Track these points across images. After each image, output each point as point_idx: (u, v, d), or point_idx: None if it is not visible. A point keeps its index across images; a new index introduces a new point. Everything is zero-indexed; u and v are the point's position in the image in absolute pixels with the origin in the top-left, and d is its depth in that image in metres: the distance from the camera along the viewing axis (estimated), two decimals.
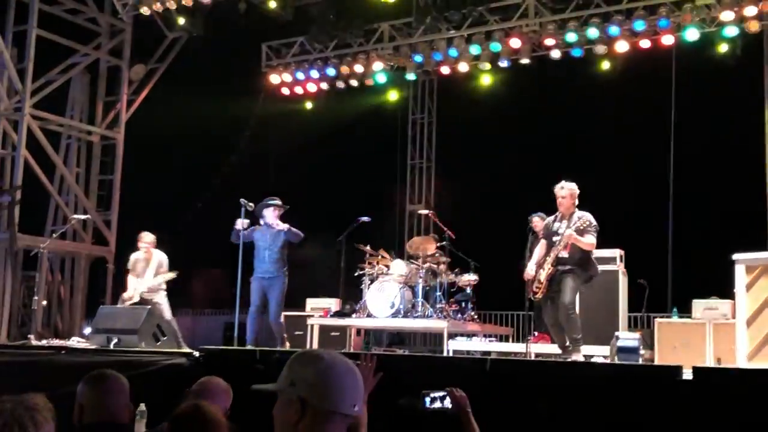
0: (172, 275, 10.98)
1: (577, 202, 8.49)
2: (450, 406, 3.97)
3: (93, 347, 8.65)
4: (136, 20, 14.96)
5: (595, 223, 8.30)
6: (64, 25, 14.30)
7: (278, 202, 10.35)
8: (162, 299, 10.96)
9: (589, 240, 8.26)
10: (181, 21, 14.43)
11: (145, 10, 14.16)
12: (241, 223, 9.92)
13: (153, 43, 15.42)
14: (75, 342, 10.03)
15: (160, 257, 11.10)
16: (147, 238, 11.06)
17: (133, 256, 11.08)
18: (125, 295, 10.89)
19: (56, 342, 10.25)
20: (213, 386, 4.36)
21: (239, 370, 7.17)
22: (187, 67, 15.53)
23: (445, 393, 4.01)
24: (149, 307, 9.71)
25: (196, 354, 7.72)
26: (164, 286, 11.04)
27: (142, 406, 5.96)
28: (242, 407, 4.38)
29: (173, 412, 3.06)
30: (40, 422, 2.40)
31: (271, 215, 10.18)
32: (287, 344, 10.35)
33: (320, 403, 2.17)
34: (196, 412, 2.98)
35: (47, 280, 13.93)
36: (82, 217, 13.09)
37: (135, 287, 10.83)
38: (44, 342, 10.14)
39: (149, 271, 10.88)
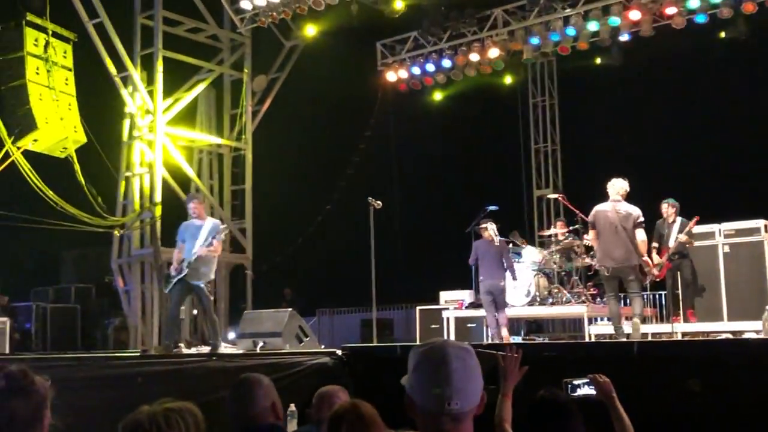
0: None
1: None
2: (594, 392, 3.89)
3: (241, 351, 8.94)
4: (255, 33, 15.37)
5: None
6: (188, 44, 14.84)
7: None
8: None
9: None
10: (300, 29, 14.75)
11: (262, 22, 14.57)
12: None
13: (272, 54, 15.80)
14: (222, 347, 10.40)
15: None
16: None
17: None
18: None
19: (205, 349, 10.62)
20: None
21: (382, 365, 7.25)
22: (305, 73, 15.84)
23: (588, 380, 3.92)
24: (291, 309, 9.93)
25: (339, 353, 7.86)
26: None
27: (292, 407, 6.14)
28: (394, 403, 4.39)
29: (331, 412, 3.11)
30: (177, 427, 2.45)
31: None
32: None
33: (414, 397, 2.14)
34: (353, 411, 3.02)
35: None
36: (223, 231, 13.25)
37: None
38: (193, 350, 10.54)
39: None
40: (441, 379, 2.09)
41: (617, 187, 9.36)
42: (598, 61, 14.92)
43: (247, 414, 3.68)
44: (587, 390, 3.88)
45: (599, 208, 9.44)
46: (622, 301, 10.09)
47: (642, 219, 9.23)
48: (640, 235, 9.20)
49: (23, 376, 3.24)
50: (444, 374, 2.09)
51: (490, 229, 10.83)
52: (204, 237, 9.35)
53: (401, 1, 14.15)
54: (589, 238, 10.01)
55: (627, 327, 9.22)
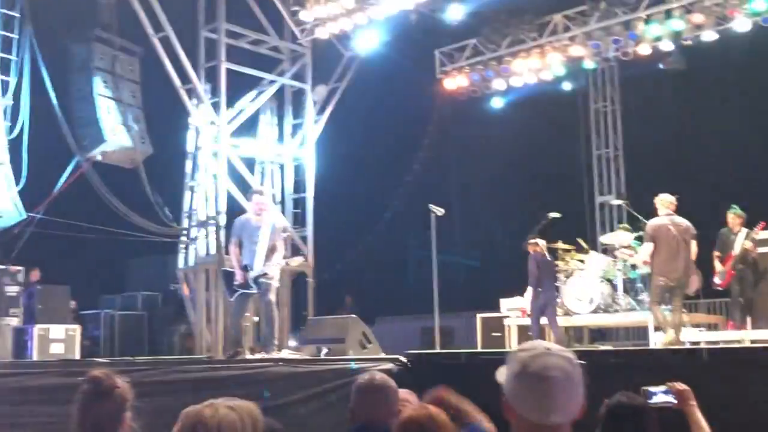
0: None
1: None
2: (673, 400, 3.85)
3: (305, 357, 9.04)
4: (315, 44, 15.56)
5: None
6: (250, 56, 15.09)
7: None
8: None
9: None
10: (359, 39, 14.89)
11: (322, 33, 14.74)
12: None
13: (332, 64, 15.97)
14: (286, 353, 10.52)
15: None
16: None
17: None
18: None
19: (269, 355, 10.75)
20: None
21: (446, 372, 7.26)
22: (365, 82, 15.97)
23: (666, 387, 3.89)
24: (354, 315, 10.00)
25: (403, 359, 7.89)
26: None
27: None
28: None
29: (401, 417, 3.13)
30: (235, 426, 2.51)
31: None
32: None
33: (511, 402, 2.10)
34: (425, 417, 3.04)
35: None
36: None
37: None
38: (257, 356, 10.67)
39: None
40: (543, 391, 2.04)
41: (666, 201, 9.83)
42: (660, 65, 14.71)
43: (371, 410, 3.69)
44: (665, 398, 3.85)
45: (657, 222, 9.84)
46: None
47: (695, 232, 9.75)
48: (694, 247, 9.72)
49: (107, 379, 3.37)
50: (546, 386, 2.04)
51: (542, 244, 11.30)
52: (265, 242, 9.49)
53: (460, 8, 14.15)
54: (644, 251, 10.16)
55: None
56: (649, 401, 3.85)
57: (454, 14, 14.33)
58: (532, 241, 11.49)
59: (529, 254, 11.64)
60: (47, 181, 13.99)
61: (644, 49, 13.70)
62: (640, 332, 13.71)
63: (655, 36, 13.42)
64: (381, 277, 17.59)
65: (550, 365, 2.06)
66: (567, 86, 16.38)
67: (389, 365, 7.98)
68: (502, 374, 2.15)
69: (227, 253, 11.20)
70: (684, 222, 9.75)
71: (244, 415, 2.54)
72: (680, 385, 3.87)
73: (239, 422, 2.49)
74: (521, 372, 2.08)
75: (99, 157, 14.39)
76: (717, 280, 10.48)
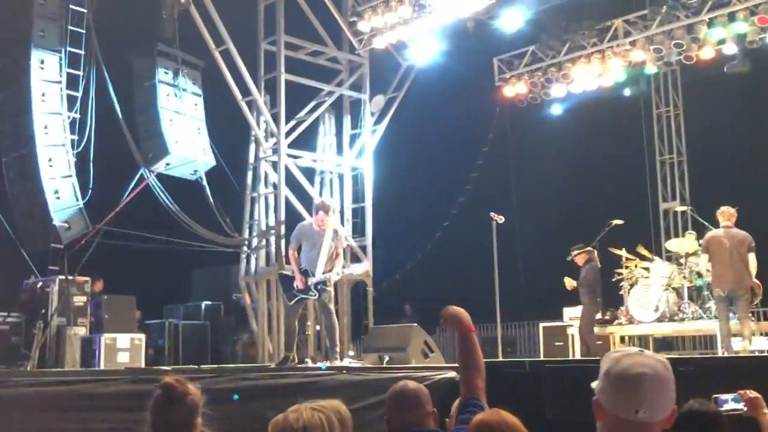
0: None
1: None
2: (744, 408, 3.78)
3: (368, 366, 9.06)
4: (372, 54, 15.63)
5: None
6: (308, 67, 15.23)
7: None
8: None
9: None
10: (416, 48, 14.93)
11: (380, 43, 14.81)
12: None
13: (389, 74, 16.02)
14: (348, 362, 10.56)
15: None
16: None
17: None
18: None
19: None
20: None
21: (509, 381, 7.19)
22: (423, 91, 15.97)
23: (736, 395, 3.83)
24: (415, 324, 10.00)
25: None
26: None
27: None
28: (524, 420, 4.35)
29: (473, 420, 3.10)
30: (323, 425, 2.59)
31: None
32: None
33: (602, 401, 2.14)
34: (498, 421, 3.02)
35: (315, 307, 14.80)
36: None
37: None
38: (319, 364, 10.73)
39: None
40: (632, 386, 2.08)
41: (726, 214, 10.24)
42: (725, 69, 14.39)
43: (408, 418, 3.73)
44: (735, 405, 3.78)
45: (712, 234, 10.38)
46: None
47: (754, 243, 10.03)
48: (752, 258, 10.00)
49: (179, 385, 3.43)
50: (636, 381, 2.08)
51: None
52: (326, 249, 9.58)
53: (519, 14, 14.07)
54: (701, 263, 10.74)
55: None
56: (720, 408, 3.79)
57: (512, 21, 14.25)
58: (587, 249, 11.42)
59: (591, 262, 11.51)
60: (113, 194, 14.30)
61: (707, 53, 13.46)
62: (707, 341, 13.43)
63: (718, 39, 13.17)
64: (440, 286, 17.53)
65: (640, 363, 2.11)
66: (628, 92, 16.15)
67: (452, 374, 7.94)
68: (596, 384, 2.21)
69: (287, 259, 11.31)
70: (740, 234, 10.07)
71: (330, 414, 2.62)
72: (751, 393, 3.80)
73: (325, 422, 2.59)
74: (611, 368, 2.13)
75: (163, 169, 14.68)
76: None
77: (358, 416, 7.02)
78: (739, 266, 9.93)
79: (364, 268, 9.95)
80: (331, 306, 9.87)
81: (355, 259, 15.49)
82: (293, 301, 9.93)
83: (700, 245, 11.61)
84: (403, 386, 3.89)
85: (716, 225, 10.68)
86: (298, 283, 9.71)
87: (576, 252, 11.66)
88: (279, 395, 7.23)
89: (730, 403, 3.82)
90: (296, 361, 10.14)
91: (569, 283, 11.70)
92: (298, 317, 10.38)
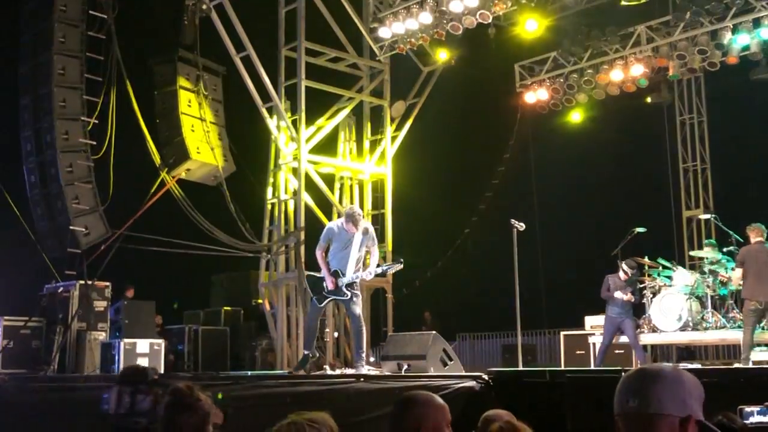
0: None
1: None
2: None
3: (386, 374, 8.99)
4: (393, 60, 15.59)
5: None
6: (329, 73, 15.22)
7: None
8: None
9: None
10: (437, 54, 14.86)
11: (400, 49, 14.77)
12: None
13: (410, 80, 15.97)
14: (366, 370, 10.49)
15: None
16: None
17: None
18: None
19: (350, 371, 10.72)
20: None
21: (529, 390, 7.11)
22: (443, 97, 15.91)
23: (763, 406, 3.73)
24: (434, 332, 9.90)
25: (485, 377, 7.76)
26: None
27: None
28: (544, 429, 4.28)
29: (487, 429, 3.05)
30: None
31: None
32: None
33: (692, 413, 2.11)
34: (510, 429, 2.96)
35: (334, 313, 14.76)
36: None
37: None
38: (338, 371, 10.67)
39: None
40: (630, 379, 2.17)
41: (759, 230, 10.43)
42: (749, 76, 14.23)
43: (420, 427, 3.60)
44: (762, 418, 3.68)
45: (748, 247, 10.51)
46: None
47: None
48: None
49: (190, 392, 3.38)
50: (633, 375, 2.18)
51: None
52: (356, 249, 9.47)
53: (540, 21, 13.98)
54: (735, 276, 10.82)
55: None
56: (746, 422, 3.69)
57: (534, 27, 14.16)
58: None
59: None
60: (133, 199, 14.33)
61: (731, 60, 13.30)
62: (731, 350, 13.24)
63: (742, 46, 13.02)
64: (461, 293, 17.43)
65: (648, 366, 2.24)
66: (649, 99, 15.99)
67: (471, 383, 7.87)
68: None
69: (314, 260, 11.17)
70: None
71: (322, 428, 2.60)
72: None
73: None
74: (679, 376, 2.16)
75: (184, 175, 14.69)
76: None
77: (375, 424, 6.98)
78: None
79: (398, 266, 9.71)
80: (360, 311, 9.73)
81: None
82: (323, 303, 9.84)
83: (725, 253, 11.50)
84: (412, 395, 3.72)
85: (743, 236, 10.65)
86: (328, 284, 9.58)
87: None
88: (297, 403, 7.16)
89: (756, 415, 3.72)
90: (316, 356, 10.06)
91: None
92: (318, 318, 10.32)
